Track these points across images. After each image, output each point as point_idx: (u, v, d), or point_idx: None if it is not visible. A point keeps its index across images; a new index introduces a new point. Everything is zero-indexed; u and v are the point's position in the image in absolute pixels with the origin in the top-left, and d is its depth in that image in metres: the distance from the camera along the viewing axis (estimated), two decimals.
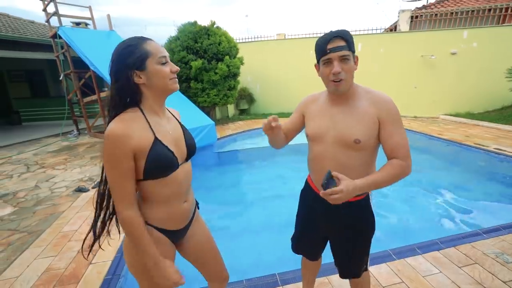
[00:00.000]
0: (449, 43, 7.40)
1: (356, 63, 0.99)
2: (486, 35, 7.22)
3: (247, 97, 8.68)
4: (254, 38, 8.92)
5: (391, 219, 2.77)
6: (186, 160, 0.99)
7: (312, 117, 1.11)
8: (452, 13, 8.52)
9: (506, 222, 2.35)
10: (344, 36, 0.93)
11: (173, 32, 6.76)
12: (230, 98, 6.95)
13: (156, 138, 0.86)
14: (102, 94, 5.74)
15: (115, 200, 0.84)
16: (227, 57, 6.45)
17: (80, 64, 5.61)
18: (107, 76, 4.87)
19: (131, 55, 0.83)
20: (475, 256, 1.89)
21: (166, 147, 0.88)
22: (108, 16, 6.28)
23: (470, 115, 7.26)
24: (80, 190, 3.34)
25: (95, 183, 3.53)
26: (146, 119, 0.87)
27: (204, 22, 6.97)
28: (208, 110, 7.11)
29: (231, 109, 8.45)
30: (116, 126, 0.80)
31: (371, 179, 0.92)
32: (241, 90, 8.49)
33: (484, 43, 7.23)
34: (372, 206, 1.11)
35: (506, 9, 8.16)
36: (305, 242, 1.33)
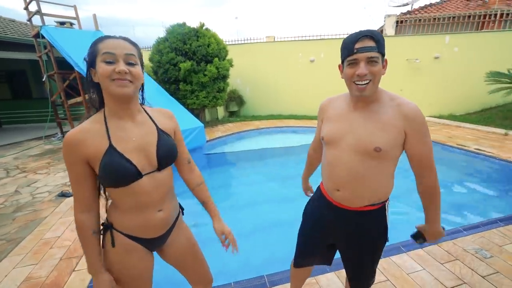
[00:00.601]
0: (432, 47, 7.65)
1: (384, 67, 0.90)
2: (466, 40, 7.52)
3: (237, 99, 8.68)
4: (244, 40, 8.94)
5: None
6: (159, 169, 0.91)
7: (329, 120, 1.04)
8: (435, 18, 8.83)
9: (485, 219, 2.44)
10: (375, 36, 0.85)
11: (162, 33, 6.69)
12: (220, 100, 6.93)
13: (110, 145, 0.81)
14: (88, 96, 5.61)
15: (73, 201, 0.87)
16: (216, 59, 6.43)
17: (64, 65, 5.47)
18: None
19: (88, 53, 0.82)
20: (456, 252, 1.96)
21: (122, 155, 0.82)
22: (94, 16, 6.15)
23: (452, 117, 7.51)
24: (64, 195, 3.24)
25: None
26: (106, 123, 0.83)
27: (193, 23, 6.95)
28: (197, 112, 7.06)
29: (220, 111, 8.42)
30: (71, 132, 0.80)
31: (436, 212, 0.98)
32: (230, 92, 8.48)
33: (465, 48, 7.52)
34: (388, 215, 1.05)
35: (484, 16, 8.54)
36: (313, 252, 1.23)
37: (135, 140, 0.86)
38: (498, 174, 3.94)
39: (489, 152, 4.43)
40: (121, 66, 0.78)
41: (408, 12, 10.04)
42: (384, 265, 1.84)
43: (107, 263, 0.92)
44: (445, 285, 1.65)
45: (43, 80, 6.24)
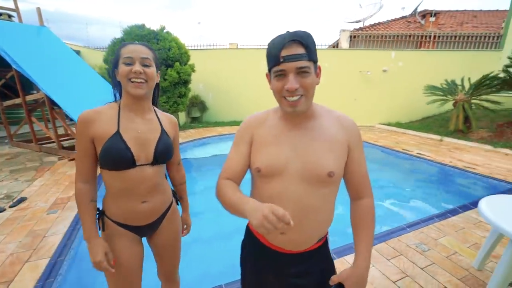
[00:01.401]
0: (381, 61, 8.44)
1: (318, 75, 0.76)
2: (408, 56, 8.46)
3: (199, 105, 8.53)
4: (207, 46, 8.87)
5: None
6: (152, 164, 1.00)
7: (263, 146, 0.81)
8: (383, 36, 9.79)
9: (425, 216, 2.72)
10: (304, 41, 0.69)
11: (118, 34, 6.32)
12: (181, 106, 6.73)
13: (117, 131, 0.93)
14: (29, 98, 5.02)
15: (75, 171, 0.98)
16: (177, 63, 6.27)
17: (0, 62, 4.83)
18: (35, 78, 4.29)
19: (114, 56, 0.97)
20: (400, 248, 2.14)
21: (124, 142, 0.93)
22: (38, 9, 5.56)
23: (399, 125, 8.32)
24: None
25: (14, 201, 3.01)
26: (119, 113, 0.96)
27: (154, 26, 6.69)
28: None
29: (182, 117, 8.18)
30: (86, 111, 0.93)
31: (368, 247, 0.81)
32: (192, 97, 8.30)
33: (407, 63, 8.45)
34: (330, 248, 0.92)
35: (422, 36, 9.72)
36: None
37: (139, 133, 0.98)
38: (435, 175, 4.45)
39: (428, 156, 4.98)
40: (137, 67, 0.92)
41: (360, 29, 10.99)
42: (338, 265, 1.93)
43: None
44: (391, 279, 1.79)
45: None
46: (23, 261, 1.98)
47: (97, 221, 1.02)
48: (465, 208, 2.87)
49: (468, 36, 9.41)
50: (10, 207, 2.88)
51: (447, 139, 6.28)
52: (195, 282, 1.95)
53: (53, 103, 4.57)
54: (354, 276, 0.79)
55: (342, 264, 1.93)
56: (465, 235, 2.35)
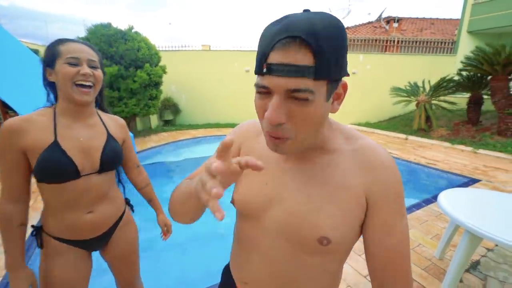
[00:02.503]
0: (350, 64, 8.77)
1: (338, 97, 0.48)
2: (375, 60, 8.94)
3: (172, 107, 8.29)
4: (178, 47, 8.67)
5: None
6: (99, 172, 0.93)
7: (245, 171, 0.50)
8: (351, 39, 10.24)
9: None
10: (316, 42, 0.38)
11: (82, 33, 5.95)
12: (152, 108, 6.49)
13: (55, 141, 0.84)
14: None
15: (1, 191, 0.85)
16: (147, 64, 6.04)
17: None
18: None
19: (45, 53, 0.85)
20: None
21: (64, 152, 0.84)
22: None
23: (368, 124, 8.74)
24: None
25: None
26: (55, 120, 0.86)
27: (121, 25, 6.39)
28: (127, 121, 6.45)
29: (154, 120, 7.90)
30: (12, 120, 0.81)
31: None
32: (165, 100, 8.05)
33: (374, 66, 8.92)
34: None
35: (387, 41, 10.33)
36: None
37: (82, 141, 0.89)
38: (401, 172, 4.64)
39: (394, 154, 5.28)
40: (86, 69, 0.84)
41: None
42: None
43: (42, 264, 0.92)
44: (362, 274, 1.85)
45: None
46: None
47: (35, 238, 0.92)
48: (428, 202, 3.07)
49: (427, 42, 10.16)
50: None
51: (411, 138, 6.70)
52: (193, 279, 1.92)
53: (6, 106, 4.17)
54: None
55: None
56: (428, 227, 2.51)
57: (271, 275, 0.57)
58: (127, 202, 1.17)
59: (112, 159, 0.96)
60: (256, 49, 0.44)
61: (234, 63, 8.42)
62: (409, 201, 3.25)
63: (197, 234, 2.68)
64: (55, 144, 0.83)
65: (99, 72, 0.89)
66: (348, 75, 0.45)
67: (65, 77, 0.82)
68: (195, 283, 1.82)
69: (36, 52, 7.37)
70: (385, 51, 10.39)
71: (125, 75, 5.82)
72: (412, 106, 7.66)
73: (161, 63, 6.64)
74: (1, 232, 0.84)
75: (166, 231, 1.29)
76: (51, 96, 0.92)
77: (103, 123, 0.98)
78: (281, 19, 0.41)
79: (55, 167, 0.82)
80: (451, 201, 1.74)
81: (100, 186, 0.94)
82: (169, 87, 8.05)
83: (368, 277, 1.80)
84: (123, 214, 1.09)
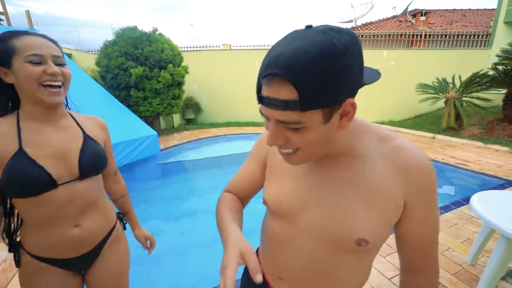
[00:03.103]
0: (373, 60, 8.54)
1: (347, 115, 0.45)
2: (400, 55, 8.58)
3: (194, 106, 8.50)
4: (200, 47, 8.86)
5: None
6: (80, 178, 0.82)
7: (275, 173, 0.64)
8: (375, 35, 9.90)
9: None
10: (294, 78, 0.38)
11: (110, 36, 6.26)
12: (175, 108, 6.70)
13: (20, 149, 0.72)
14: None
15: None
16: (170, 65, 6.24)
17: None
18: None
19: None
20: (395, 245, 2.15)
21: (33, 161, 0.73)
22: (27, 12, 5.49)
23: (392, 123, 8.42)
24: None
25: None
26: (19, 125, 0.75)
27: (146, 28, 6.64)
28: (151, 120, 6.71)
29: (176, 119, 8.15)
30: None
31: None
32: (187, 99, 8.27)
33: (399, 62, 8.56)
34: None
35: (413, 36, 9.86)
36: None
37: (53, 146, 0.78)
38: None
39: None
40: (54, 68, 0.74)
41: (352, 28, 11.08)
42: None
43: (21, 285, 0.84)
44: (386, 276, 1.81)
45: None
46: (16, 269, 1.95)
47: (13, 254, 0.83)
48: (457, 204, 2.91)
49: (457, 35, 9.59)
50: None
51: (439, 137, 6.37)
52: (193, 282, 1.95)
53: None
54: None
55: None
56: (458, 230, 2.39)
57: (307, 271, 0.59)
58: (119, 217, 1.05)
59: (93, 162, 0.85)
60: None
61: (254, 61, 8.44)
62: None
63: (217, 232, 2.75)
64: (21, 153, 0.72)
65: (67, 69, 0.78)
66: (353, 95, 0.44)
67: (29, 78, 0.71)
68: (216, 280, 1.86)
69: (69, 55, 7.87)
70: (411, 46, 9.94)
71: (150, 75, 6.05)
72: (440, 104, 7.27)
73: (183, 64, 6.82)
74: None
75: (149, 245, 1.15)
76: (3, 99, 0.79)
77: (78, 124, 0.87)
78: (272, 49, 0.43)
79: (23, 178, 0.71)
80: (485, 204, 1.65)
81: (85, 194, 0.83)
82: (191, 87, 8.26)
83: (393, 280, 1.76)
84: (113, 229, 0.96)
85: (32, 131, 0.76)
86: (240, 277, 0.81)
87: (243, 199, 0.74)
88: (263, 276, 0.69)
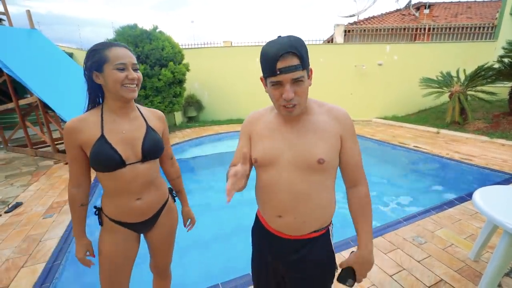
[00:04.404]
0: (376, 55, 8.42)
1: (310, 77, 0.81)
2: (403, 49, 8.44)
3: (195, 104, 8.49)
4: (201, 44, 8.82)
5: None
6: (143, 161, 1.03)
7: (260, 138, 0.91)
8: (377, 29, 9.76)
9: (422, 208, 2.73)
10: (298, 52, 0.73)
11: (111, 35, 6.26)
12: (176, 106, 6.70)
13: (102, 135, 0.95)
14: (22, 102, 4.97)
15: (69, 177, 1.03)
16: (171, 63, 6.22)
17: None
18: (27, 81, 4.24)
19: (90, 59, 0.94)
20: (397, 242, 2.14)
21: (109, 144, 0.95)
22: (28, 12, 5.50)
23: (395, 118, 8.32)
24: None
25: (9, 206, 2.99)
26: (102, 116, 0.98)
27: (147, 26, 6.62)
28: None
29: (178, 117, 8.15)
30: (70, 121, 0.95)
31: (369, 231, 0.87)
32: (188, 97, 8.26)
33: (402, 56, 8.44)
34: (332, 240, 0.94)
35: (416, 29, 9.70)
36: None
37: (124, 133, 1.00)
38: (431, 168, 4.46)
39: (424, 149, 4.99)
40: (134, 74, 0.96)
41: (355, 23, 10.93)
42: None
43: (100, 237, 1.10)
44: (387, 273, 1.79)
45: None
46: (19, 266, 1.97)
47: (97, 217, 1.11)
48: (461, 199, 2.87)
49: (462, 28, 9.41)
50: (6, 212, 2.86)
51: (443, 131, 6.29)
52: (194, 280, 1.95)
53: (46, 107, 4.53)
54: (359, 260, 0.88)
55: (339, 259, 1.93)
56: (461, 226, 2.36)
57: (294, 198, 0.84)
58: (170, 191, 1.26)
59: (153, 147, 1.05)
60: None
61: (255, 58, 8.36)
62: (440, 199, 3.06)
63: (220, 228, 2.75)
64: (102, 138, 0.96)
65: (140, 74, 1.01)
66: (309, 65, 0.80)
67: (116, 81, 0.93)
68: (217, 276, 1.86)
69: (70, 55, 7.88)
70: (415, 40, 9.78)
71: (151, 74, 6.05)
72: (445, 98, 7.17)
73: (184, 61, 6.80)
74: (70, 210, 1.05)
75: (189, 223, 1.36)
76: (90, 96, 1.02)
77: (143, 116, 1.08)
78: (274, 42, 0.75)
79: (103, 157, 0.95)
80: (488, 199, 1.62)
81: (146, 174, 1.04)
82: (192, 85, 8.25)
83: (394, 277, 1.74)
84: (167, 202, 1.19)
85: (110, 121, 0.99)
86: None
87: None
88: (267, 227, 0.95)
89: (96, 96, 1.03)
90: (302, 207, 0.85)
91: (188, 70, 6.78)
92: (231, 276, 1.79)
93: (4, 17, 5.56)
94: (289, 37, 0.75)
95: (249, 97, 8.62)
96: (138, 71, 1.01)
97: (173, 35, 7.41)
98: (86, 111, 1.02)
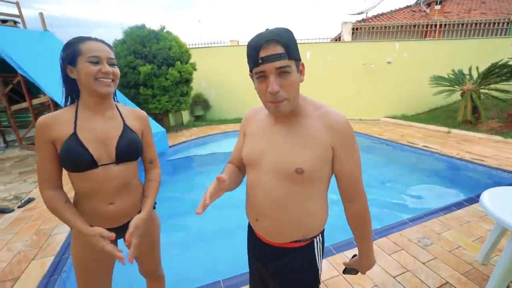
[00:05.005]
0: (385, 53, 8.27)
1: (301, 72, 0.75)
2: (413, 47, 8.26)
3: (202, 103, 8.55)
4: (207, 44, 8.87)
5: (332, 214, 2.95)
6: (117, 162, 0.96)
7: (249, 137, 0.89)
8: (386, 27, 9.57)
9: (429, 209, 2.67)
10: (282, 39, 0.67)
11: (121, 36, 6.36)
12: (183, 105, 6.76)
13: (74, 133, 0.90)
14: (35, 101, 5.12)
15: (38, 181, 0.93)
16: (178, 62, 6.28)
17: (6, 67, 4.93)
18: (39, 81, 4.37)
19: (64, 51, 0.90)
20: (402, 243, 2.11)
21: (81, 143, 0.90)
22: (41, 14, 5.67)
23: (405, 117, 8.16)
24: (3, 211, 2.90)
25: (22, 201, 3.10)
26: (76, 113, 0.93)
27: (155, 26, 6.71)
28: (160, 117, 6.82)
29: (185, 116, 8.22)
30: (42, 117, 0.90)
31: (366, 245, 0.87)
32: (195, 96, 8.33)
33: (412, 54, 8.25)
34: (318, 254, 0.87)
35: (427, 26, 9.46)
36: None
37: (98, 132, 0.94)
38: (441, 168, 4.35)
39: (434, 149, 4.88)
40: (107, 67, 0.91)
41: (363, 20, 10.75)
42: (337, 260, 1.92)
43: (71, 243, 1.01)
44: (391, 274, 1.77)
45: None
46: (30, 259, 2.04)
47: None
48: (471, 201, 2.80)
49: (476, 23, 9.12)
50: (19, 207, 2.96)
51: (455, 131, 6.13)
52: (195, 276, 1.97)
53: (58, 106, 4.65)
54: (360, 265, 0.92)
55: (342, 259, 1.92)
56: (470, 228, 2.30)
57: (269, 204, 0.80)
58: None
59: (128, 149, 0.97)
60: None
61: None
62: (449, 200, 2.99)
63: (223, 226, 2.77)
64: (74, 136, 0.90)
65: (116, 69, 0.96)
66: (301, 60, 0.75)
67: (88, 74, 0.88)
68: (220, 273, 1.88)
69: None
70: (425, 37, 9.54)
71: (158, 73, 6.12)
72: (456, 96, 6.98)
73: (191, 61, 6.85)
74: (56, 212, 0.90)
75: (130, 232, 0.96)
76: (64, 91, 0.97)
77: (121, 115, 1.02)
78: (258, 34, 0.70)
79: (73, 156, 0.88)
80: (497, 200, 1.57)
81: (120, 177, 0.96)
82: (199, 84, 8.31)
83: (397, 278, 1.71)
84: None
85: (84, 119, 0.94)
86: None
87: (240, 166, 0.98)
88: (254, 231, 0.93)
89: (72, 92, 0.97)
90: (277, 215, 0.80)
91: (195, 69, 6.83)
92: (232, 273, 1.80)
93: (19, 20, 5.74)
94: (275, 27, 0.70)
95: (256, 96, 8.57)
96: (116, 66, 0.96)
97: (180, 34, 7.48)
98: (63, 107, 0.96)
